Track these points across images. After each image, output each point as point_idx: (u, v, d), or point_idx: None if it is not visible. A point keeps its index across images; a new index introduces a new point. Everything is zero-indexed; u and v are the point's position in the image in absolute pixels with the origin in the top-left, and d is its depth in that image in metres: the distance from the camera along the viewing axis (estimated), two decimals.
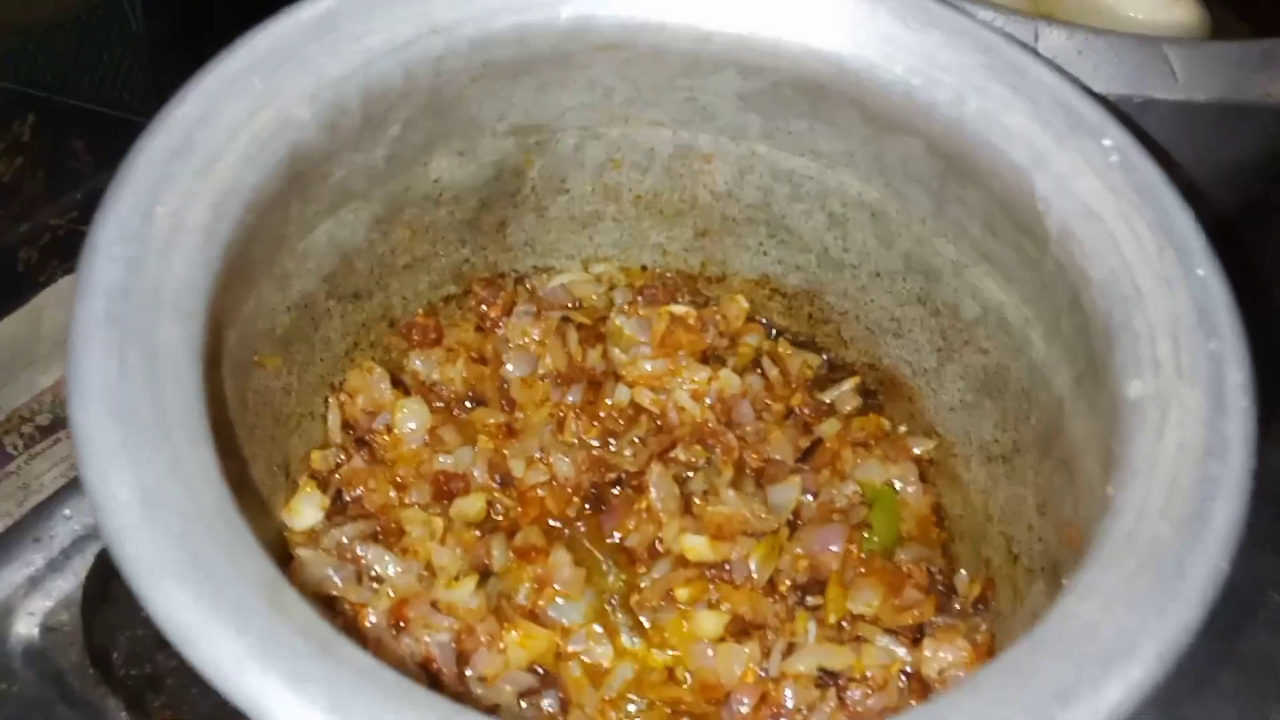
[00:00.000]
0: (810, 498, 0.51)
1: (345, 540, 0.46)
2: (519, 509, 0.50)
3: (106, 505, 0.27)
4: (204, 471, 0.29)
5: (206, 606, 0.26)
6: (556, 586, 0.47)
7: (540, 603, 0.47)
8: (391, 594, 0.44)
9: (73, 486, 0.59)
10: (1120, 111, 0.41)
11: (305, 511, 0.46)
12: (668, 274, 0.58)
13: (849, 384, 0.55)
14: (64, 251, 0.69)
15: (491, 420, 0.52)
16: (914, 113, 0.43)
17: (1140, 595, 0.30)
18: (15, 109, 0.61)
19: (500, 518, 0.50)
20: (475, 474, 0.50)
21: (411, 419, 0.51)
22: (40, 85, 0.61)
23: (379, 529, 0.47)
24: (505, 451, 0.51)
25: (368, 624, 0.42)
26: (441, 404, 0.53)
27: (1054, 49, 0.47)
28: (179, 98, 0.36)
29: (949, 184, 0.45)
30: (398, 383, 0.52)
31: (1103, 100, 0.40)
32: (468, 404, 0.53)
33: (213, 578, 0.27)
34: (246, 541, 0.28)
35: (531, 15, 0.44)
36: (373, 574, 0.45)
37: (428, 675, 0.43)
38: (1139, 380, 0.34)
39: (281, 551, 0.46)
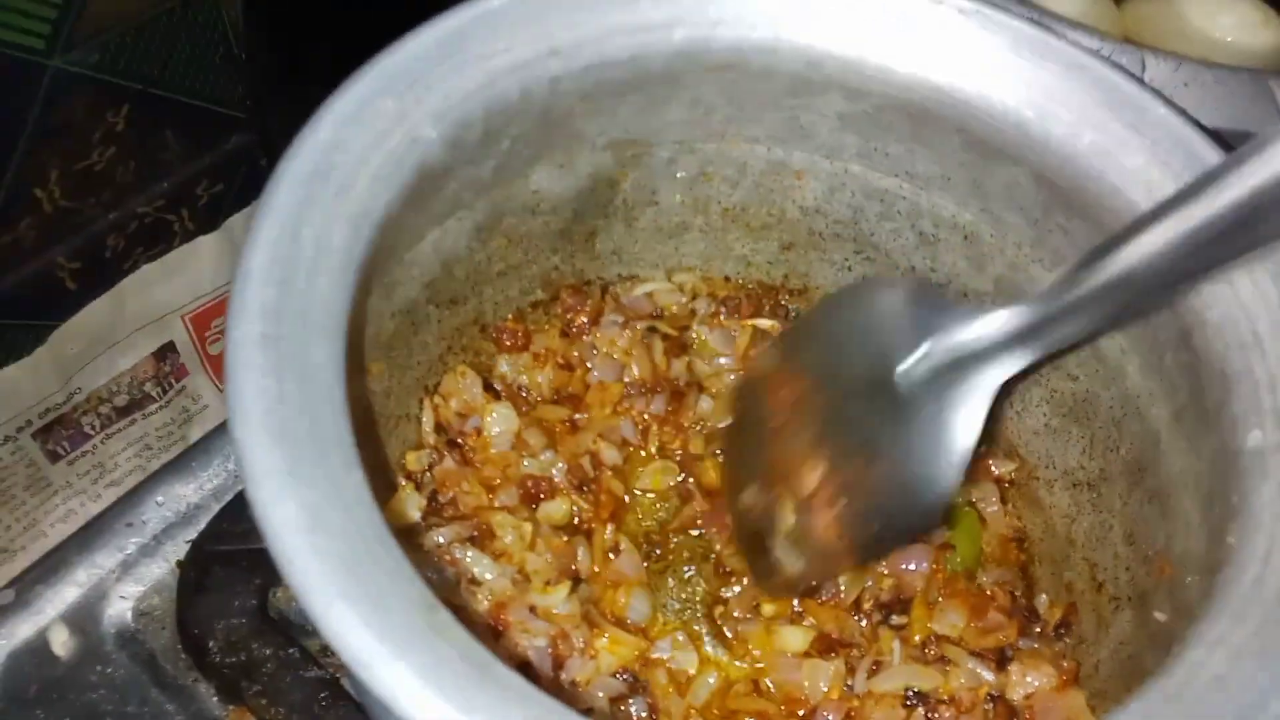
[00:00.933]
0: None
1: (443, 542, 0.47)
2: (593, 511, 0.51)
3: (275, 527, 0.28)
4: (359, 493, 0.30)
5: (376, 630, 0.27)
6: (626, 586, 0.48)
7: (621, 601, 0.48)
8: (490, 597, 0.45)
9: (163, 474, 0.61)
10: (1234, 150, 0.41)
11: (407, 511, 0.47)
12: (749, 285, 0.59)
13: None
14: (149, 239, 0.70)
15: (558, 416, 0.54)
16: (1024, 143, 0.43)
17: (1270, 650, 0.31)
18: (110, 100, 0.62)
19: (578, 520, 0.51)
20: (556, 476, 0.51)
21: (499, 423, 0.52)
22: (134, 77, 0.62)
23: (475, 532, 0.48)
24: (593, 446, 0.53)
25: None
26: (528, 408, 0.54)
27: (1160, 79, 0.47)
28: (315, 121, 0.37)
29: (1053, 214, 0.45)
30: (488, 386, 0.54)
31: (1221, 141, 0.40)
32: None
33: (378, 601, 0.28)
34: (402, 564, 0.29)
35: (646, 37, 0.44)
36: (470, 576, 0.46)
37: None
38: (1259, 430, 0.35)
39: None
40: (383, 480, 0.49)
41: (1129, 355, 0.45)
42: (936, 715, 0.43)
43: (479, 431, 0.52)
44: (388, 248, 0.42)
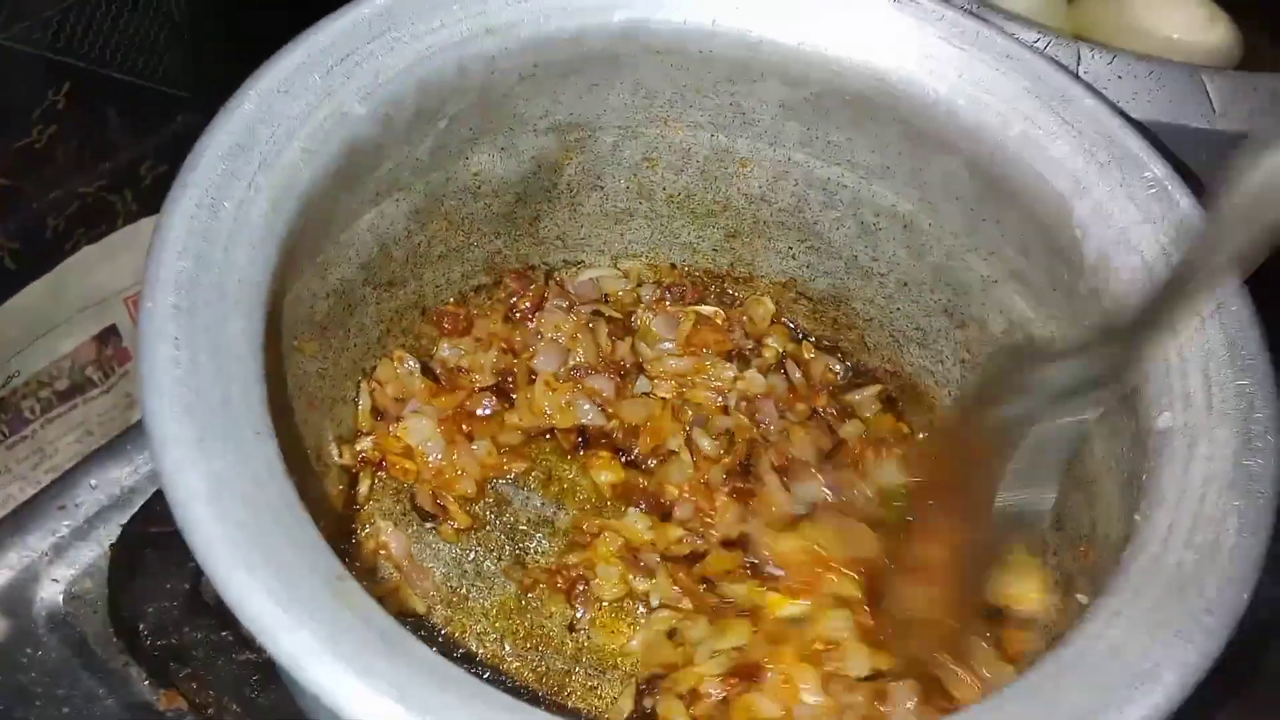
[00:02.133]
0: (829, 495, 0.52)
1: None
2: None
3: (181, 496, 0.28)
4: (269, 465, 0.30)
5: (279, 598, 0.27)
6: None
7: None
8: None
9: (97, 456, 0.60)
10: (1161, 143, 0.42)
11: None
12: (696, 272, 0.59)
13: (871, 390, 0.56)
14: (90, 220, 0.69)
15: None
16: (957, 133, 0.44)
17: (1165, 622, 0.31)
18: (52, 77, 0.61)
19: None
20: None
21: (415, 434, 0.51)
22: (77, 55, 0.61)
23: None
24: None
25: None
26: (469, 392, 0.54)
27: (1095, 72, 0.48)
28: (239, 95, 0.37)
29: (986, 203, 0.45)
30: (428, 370, 0.53)
31: (1144, 131, 0.41)
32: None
33: (282, 570, 0.28)
34: (311, 535, 0.29)
35: (585, 19, 0.44)
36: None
37: None
38: (1169, 412, 0.35)
39: None
40: (316, 461, 0.48)
41: (1059, 344, 0.45)
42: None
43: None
44: (318, 225, 0.42)
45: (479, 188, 0.51)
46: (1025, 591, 0.46)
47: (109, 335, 0.75)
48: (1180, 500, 0.33)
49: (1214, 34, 0.68)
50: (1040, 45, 0.47)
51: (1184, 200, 0.39)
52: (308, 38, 0.39)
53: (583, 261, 0.58)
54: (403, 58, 0.40)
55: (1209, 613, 0.31)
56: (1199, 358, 0.36)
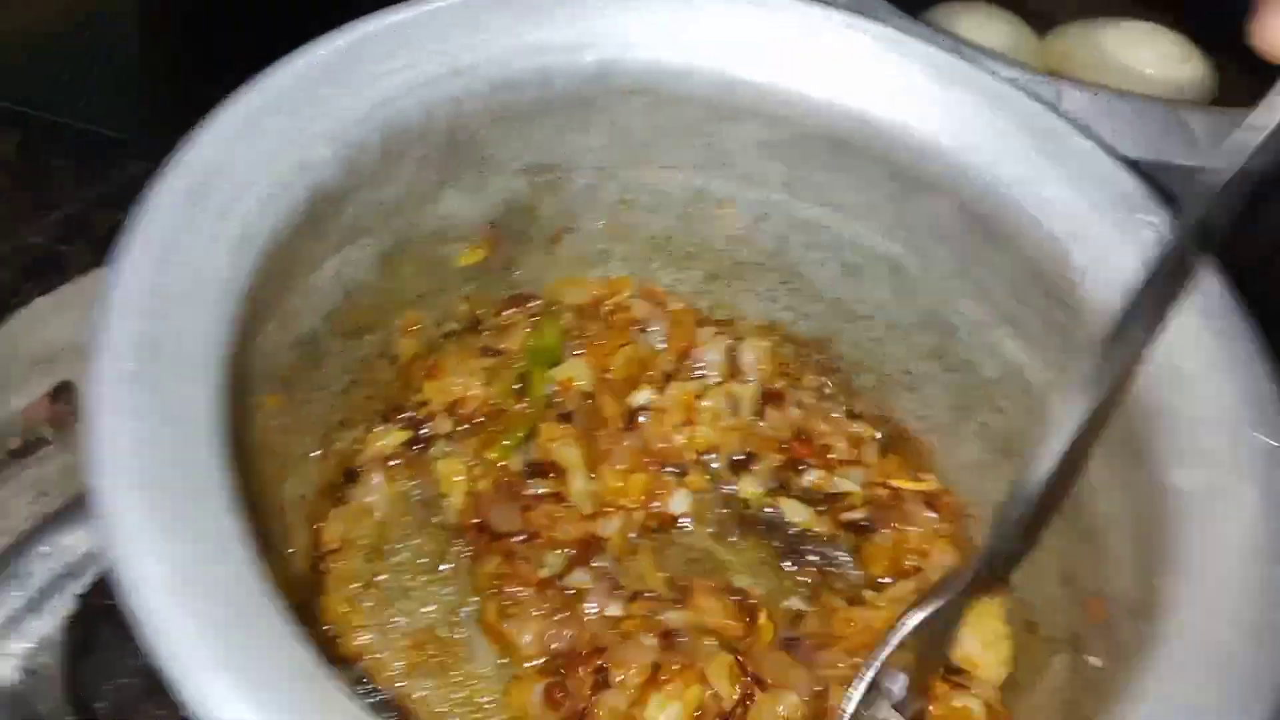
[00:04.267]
0: None
1: None
2: None
3: (135, 586, 0.25)
4: (234, 546, 0.27)
5: (247, 702, 0.25)
6: None
7: None
8: None
9: (48, 524, 0.57)
10: (1156, 182, 0.40)
11: None
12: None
13: None
14: (40, 272, 0.66)
15: None
16: (944, 174, 0.42)
17: (1211, 709, 0.29)
18: (0, 125, 0.59)
19: None
20: None
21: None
22: (26, 103, 0.59)
23: None
24: None
25: None
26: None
27: (1076, 111, 0.47)
28: (194, 138, 0.34)
29: (977, 245, 0.44)
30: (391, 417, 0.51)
31: (1141, 172, 0.40)
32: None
33: (250, 670, 0.25)
34: (282, 627, 0.26)
35: (554, 58, 0.43)
36: None
37: None
38: (1185, 470, 0.33)
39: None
40: (276, 524, 0.45)
41: (1056, 388, 0.44)
42: None
43: None
44: (281, 275, 0.40)
45: (448, 231, 0.49)
46: (989, 658, 0.44)
47: (62, 391, 0.72)
48: (1206, 571, 0.31)
49: (1187, 68, 0.68)
50: (1020, 82, 0.46)
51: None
52: (268, 78, 0.37)
53: (559, 301, 0.56)
54: (367, 99, 0.38)
55: (1257, 699, 0.29)
56: (1215, 411, 0.34)
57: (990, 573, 0.39)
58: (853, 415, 0.54)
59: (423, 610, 0.47)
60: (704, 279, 0.55)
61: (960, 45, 0.46)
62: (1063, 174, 0.39)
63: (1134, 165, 0.41)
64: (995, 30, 0.71)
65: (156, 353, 0.30)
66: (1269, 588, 0.31)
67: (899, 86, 0.43)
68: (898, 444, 0.54)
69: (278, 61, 0.37)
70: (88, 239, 0.67)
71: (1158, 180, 0.44)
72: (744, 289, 0.55)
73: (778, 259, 0.53)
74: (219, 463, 0.29)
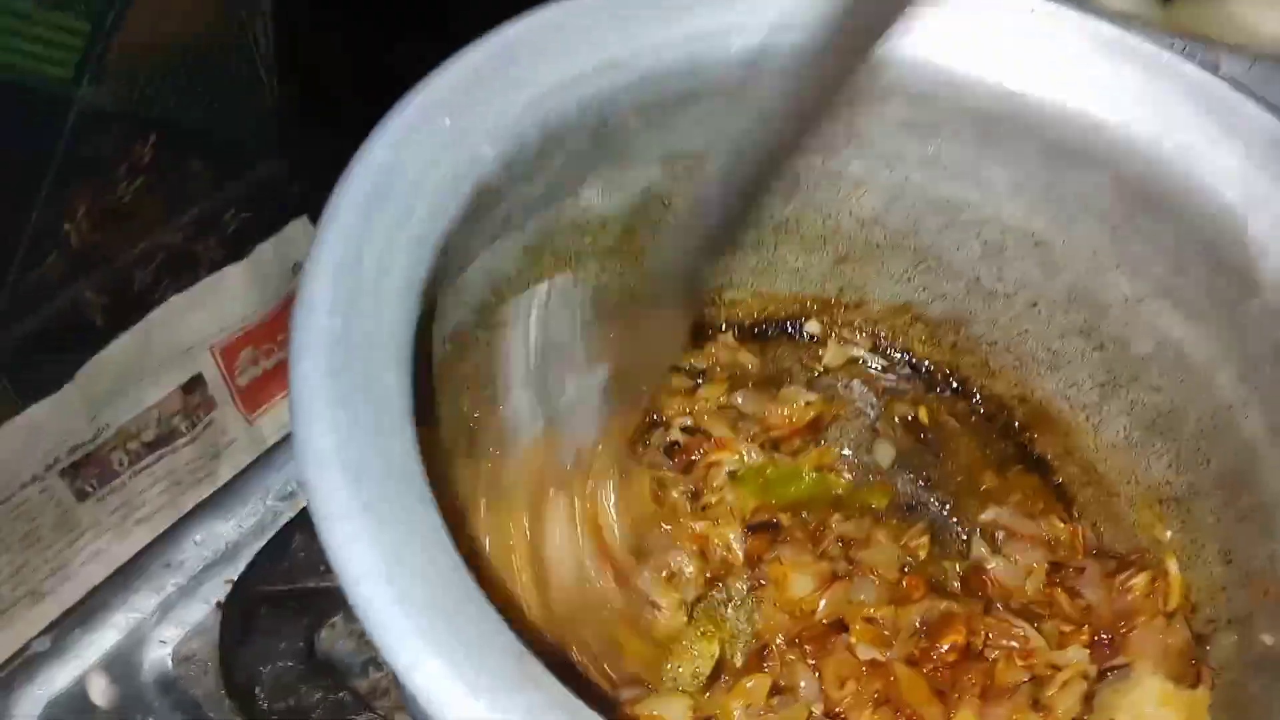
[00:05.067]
0: None
1: None
2: None
3: (353, 573, 0.26)
4: (436, 533, 0.28)
5: (467, 682, 0.25)
6: None
7: None
8: None
9: (199, 511, 0.59)
10: None
11: None
12: (805, 299, 0.57)
13: None
14: (174, 270, 0.68)
15: None
16: (1103, 147, 0.41)
17: None
18: (137, 132, 0.60)
19: None
20: None
21: None
22: (162, 109, 0.61)
23: None
24: None
25: None
26: None
27: (1232, 79, 0.45)
28: (372, 140, 0.35)
29: (1134, 218, 0.43)
30: None
31: None
32: None
33: (467, 650, 0.26)
34: (487, 609, 0.27)
35: (702, 45, 0.42)
36: None
37: None
38: None
39: None
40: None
41: (1221, 365, 0.43)
42: None
43: None
44: (447, 270, 0.41)
45: (587, 222, 0.49)
46: None
47: (195, 384, 0.74)
48: None
49: None
50: (1179, 50, 0.45)
51: None
52: (432, 81, 0.37)
53: None
54: (527, 95, 0.39)
55: None
56: None
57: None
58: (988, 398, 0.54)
59: None
60: (834, 262, 0.55)
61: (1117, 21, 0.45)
62: (1237, 144, 0.38)
63: None
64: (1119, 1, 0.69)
65: (352, 346, 0.31)
66: None
67: (1056, 60, 0.42)
68: (1039, 423, 0.53)
69: (438, 66, 0.38)
70: (219, 237, 0.68)
71: None
72: (875, 271, 0.55)
73: (911, 239, 0.52)
74: (414, 451, 0.30)
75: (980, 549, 0.48)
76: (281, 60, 0.60)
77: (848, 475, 0.52)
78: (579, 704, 0.26)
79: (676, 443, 0.51)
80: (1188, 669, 0.42)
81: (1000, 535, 0.48)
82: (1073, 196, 0.45)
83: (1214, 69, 0.45)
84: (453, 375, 0.47)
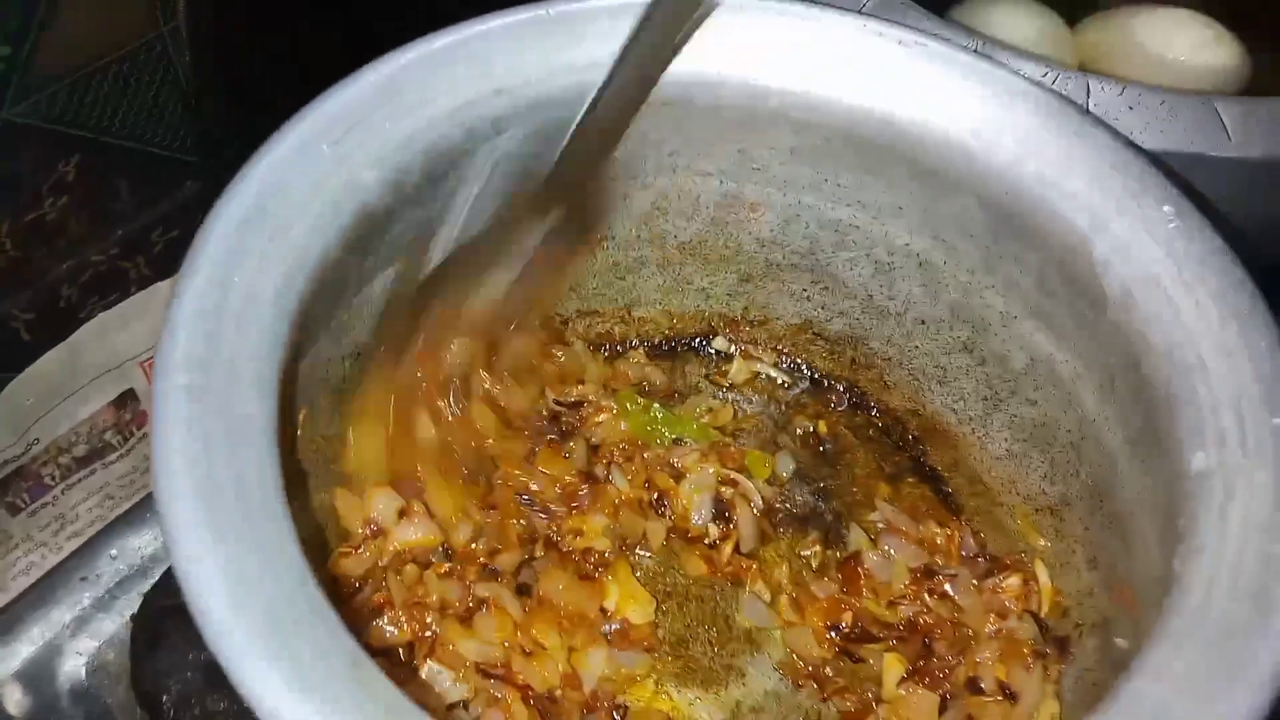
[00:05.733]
0: None
1: None
2: None
3: (196, 586, 0.28)
4: (286, 551, 0.29)
5: (297, 688, 0.27)
6: None
7: None
8: None
9: (116, 526, 0.60)
10: (1176, 174, 0.41)
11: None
12: (711, 318, 0.59)
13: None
14: (103, 288, 0.69)
15: None
16: (969, 172, 0.43)
17: (1210, 678, 0.30)
18: (60, 149, 0.61)
19: None
20: None
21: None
22: (85, 127, 0.62)
23: None
24: None
25: None
26: None
27: (1105, 104, 0.47)
28: (249, 168, 0.36)
29: (1002, 241, 0.45)
30: None
31: (1161, 164, 0.41)
32: None
33: (300, 659, 0.27)
34: (329, 621, 0.29)
35: (592, 75, 0.44)
36: None
37: None
38: (1203, 453, 0.34)
39: None
40: (331, 530, 0.48)
41: (1084, 380, 0.45)
42: None
43: None
44: (332, 292, 0.42)
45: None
46: None
47: (126, 399, 0.75)
48: (1220, 547, 0.32)
49: (1220, 54, 0.68)
50: (1048, 80, 0.47)
51: (1206, 232, 0.39)
52: (315, 107, 0.39)
53: (596, 311, 0.58)
54: (411, 124, 0.40)
55: (1255, 667, 0.30)
56: (1231, 396, 0.35)
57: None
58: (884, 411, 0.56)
59: None
60: (737, 281, 0.57)
61: (989, 45, 0.47)
62: (1084, 168, 0.40)
63: (1157, 159, 0.42)
64: (1025, 22, 0.71)
65: (213, 369, 0.32)
66: (1272, 562, 0.32)
67: (924, 88, 0.44)
68: (931, 437, 0.55)
69: (327, 90, 0.39)
70: (147, 255, 0.69)
71: (1184, 172, 0.45)
72: (777, 290, 0.57)
73: (809, 259, 0.54)
74: (272, 472, 0.31)
75: (859, 540, 0.50)
76: (204, 78, 0.61)
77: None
78: (415, 710, 0.28)
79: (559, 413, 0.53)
80: (1029, 661, 0.44)
81: (881, 527, 0.51)
82: (949, 219, 0.47)
83: (1084, 94, 0.47)
84: (357, 389, 0.48)
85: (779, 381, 0.58)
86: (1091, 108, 0.47)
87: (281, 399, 0.33)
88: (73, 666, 0.54)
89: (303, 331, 0.39)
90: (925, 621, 0.46)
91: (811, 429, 0.57)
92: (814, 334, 0.57)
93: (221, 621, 0.27)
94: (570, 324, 0.57)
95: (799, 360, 0.58)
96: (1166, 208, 0.39)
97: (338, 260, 0.39)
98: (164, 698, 0.51)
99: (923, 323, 0.53)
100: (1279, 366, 0.35)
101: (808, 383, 0.58)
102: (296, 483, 0.40)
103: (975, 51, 0.44)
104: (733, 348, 0.59)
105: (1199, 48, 0.68)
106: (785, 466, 0.55)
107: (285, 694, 0.27)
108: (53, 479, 0.76)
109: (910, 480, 0.55)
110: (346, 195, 0.38)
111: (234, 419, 0.31)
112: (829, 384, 0.58)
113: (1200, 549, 0.33)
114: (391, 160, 0.40)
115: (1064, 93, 0.46)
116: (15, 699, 0.53)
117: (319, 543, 0.43)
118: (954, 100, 0.43)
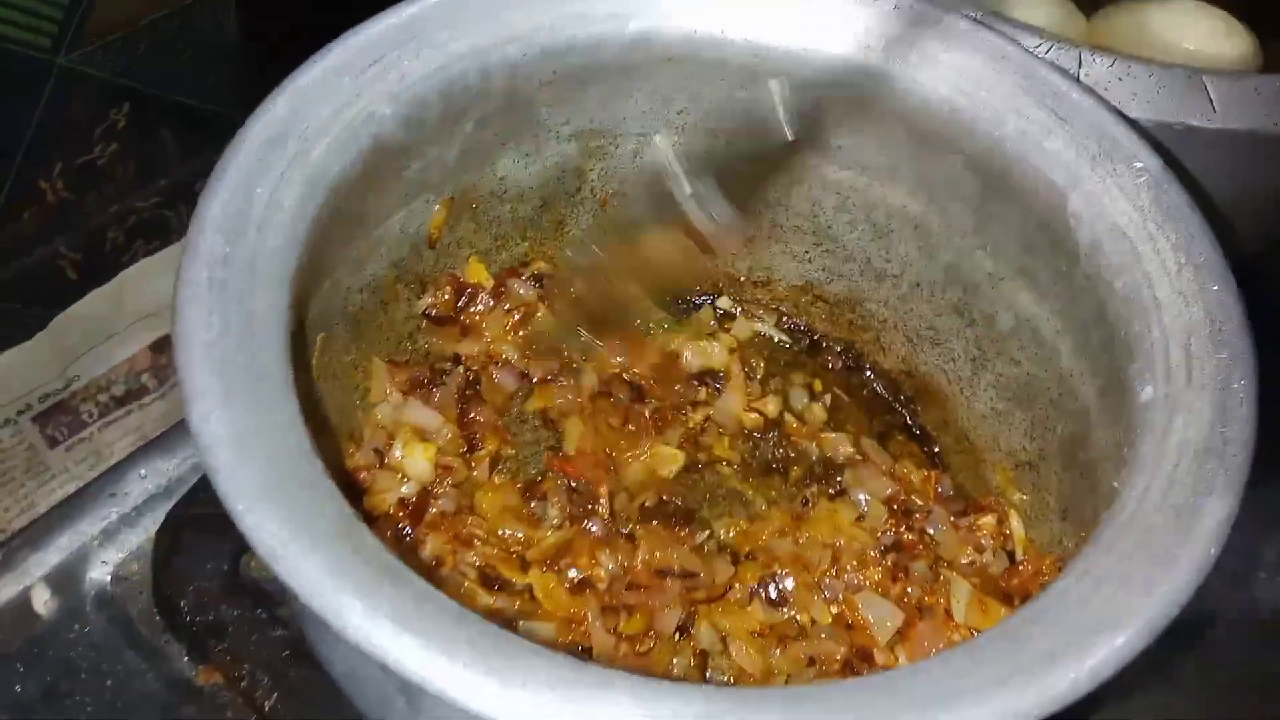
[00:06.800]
0: None
1: None
2: None
3: (208, 443, 0.31)
4: (289, 419, 0.32)
5: (291, 531, 0.29)
6: None
7: None
8: None
9: (148, 449, 0.63)
10: (1153, 138, 0.43)
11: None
12: (716, 277, 0.61)
13: None
14: (147, 233, 0.73)
15: None
16: (957, 131, 0.45)
17: (1132, 576, 0.32)
18: (112, 99, 0.65)
19: None
20: None
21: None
22: (136, 78, 0.66)
23: None
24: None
25: None
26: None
27: (1096, 75, 0.49)
28: (276, 94, 0.40)
29: (989, 201, 0.47)
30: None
31: (1136, 126, 0.42)
32: None
33: (296, 508, 0.30)
34: (324, 481, 0.31)
35: (601, 27, 0.47)
36: None
37: None
38: (1151, 386, 0.36)
39: None
40: (347, 440, 0.50)
41: (1063, 336, 0.46)
42: None
43: None
44: (349, 219, 0.45)
45: (505, 191, 0.54)
46: None
47: (163, 344, 0.79)
48: (1157, 468, 0.34)
49: (1232, 45, 0.69)
50: (1042, 50, 0.49)
51: (1172, 189, 0.41)
52: (340, 43, 0.42)
53: None
54: (428, 63, 0.43)
55: (1176, 568, 0.32)
56: (1181, 334, 0.37)
57: None
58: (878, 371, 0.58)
59: None
60: (742, 242, 0.59)
61: (987, 15, 0.49)
62: (1062, 127, 0.42)
63: (1133, 121, 0.43)
64: (1042, 10, 0.73)
65: (233, 264, 0.35)
66: (1199, 478, 0.34)
67: (916, 50, 0.46)
68: (923, 396, 0.57)
69: (350, 29, 0.42)
70: (189, 205, 0.73)
71: (1168, 141, 0.47)
72: (780, 251, 0.59)
73: (811, 221, 0.56)
74: (281, 356, 0.34)
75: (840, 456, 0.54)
76: (246, 33, 0.65)
77: None
78: (391, 557, 0.30)
79: None
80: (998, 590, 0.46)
81: (858, 458, 0.54)
82: (941, 180, 0.49)
83: (1076, 65, 0.49)
84: (374, 323, 0.51)
85: (777, 341, 0.60)
86: (1083, 78, 0.49)
87: (297, 298, 0.36)
88: (98, 574, 0.58)
89: (322, 251, 0.42)
90: (906, 539, 0.48)
91: (807, 385, 0.59)
92: (814, 295, 0.59)
93: (229, 472, 0.30)
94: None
95: (799, 321, 0.60)
96: (1137, 164, 0.41)
97: (354, 187, 0.42)
98: (181, 603, 0.54)
99: (918, 285, 0.55)
100: (1228, 308, 0.37)
101: (807, 342, 0.60)
102: (308, 381, 0.43)
103: (966, 15, 0.46)
104: (736, 309, 0.61)
105: (1210, 38, 0.69)
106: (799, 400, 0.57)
107: (281, 533, 0.29)
108: (90, 416, 0.80)
109: (899, 439, 0.57)
110: (364, 125, 0.41)
111: (251, 309, 0.34)
112: (826, 345, 0.60)
113: (1140, 470, 0.35)
114: (408, 95, 0.43)
115: (1056, 63, 0.48)
116: (44, 600, 0.56)
117: (321, 427, 0.46)
118: (943, 60, 0.45)
